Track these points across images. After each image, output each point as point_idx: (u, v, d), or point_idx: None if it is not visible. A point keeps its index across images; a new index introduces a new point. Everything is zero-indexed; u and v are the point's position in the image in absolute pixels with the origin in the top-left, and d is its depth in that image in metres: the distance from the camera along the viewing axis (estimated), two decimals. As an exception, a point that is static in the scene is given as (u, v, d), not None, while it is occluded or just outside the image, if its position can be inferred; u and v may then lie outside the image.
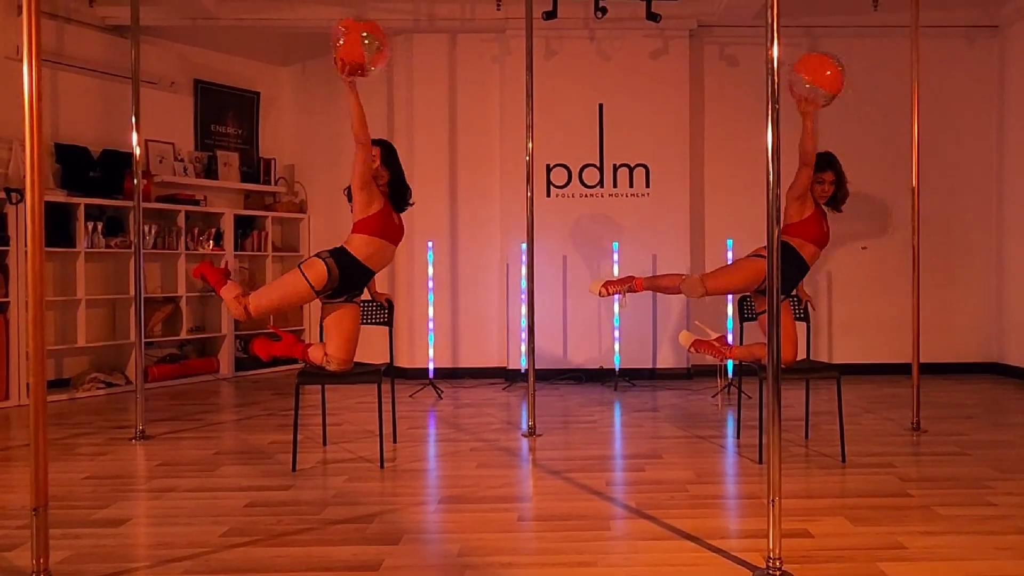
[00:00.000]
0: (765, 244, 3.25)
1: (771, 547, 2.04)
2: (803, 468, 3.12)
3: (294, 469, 3.14)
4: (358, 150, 3.03)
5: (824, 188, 3.35)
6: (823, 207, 3.41)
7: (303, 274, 3.06)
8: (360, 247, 3.12)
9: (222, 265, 3.40)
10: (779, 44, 2.09)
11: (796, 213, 3.34)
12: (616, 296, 3.53)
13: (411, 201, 3.34)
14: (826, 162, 3.38)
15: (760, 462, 3.21)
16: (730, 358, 3.58)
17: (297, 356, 3.32)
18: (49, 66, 5.09)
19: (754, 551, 2.19)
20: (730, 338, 4.94)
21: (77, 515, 2.58)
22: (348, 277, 3.12)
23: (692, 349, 3.58)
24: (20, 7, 1.99)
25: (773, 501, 2.03)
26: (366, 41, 2.91)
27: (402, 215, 3.30)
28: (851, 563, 2.11)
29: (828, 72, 3.21)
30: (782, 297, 3.36)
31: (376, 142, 3.20)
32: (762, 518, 2.43)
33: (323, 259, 3.08)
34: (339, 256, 3.11)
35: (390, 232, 3.18)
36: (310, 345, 3.30)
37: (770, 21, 2.08)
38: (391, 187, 3.23)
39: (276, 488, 2.89)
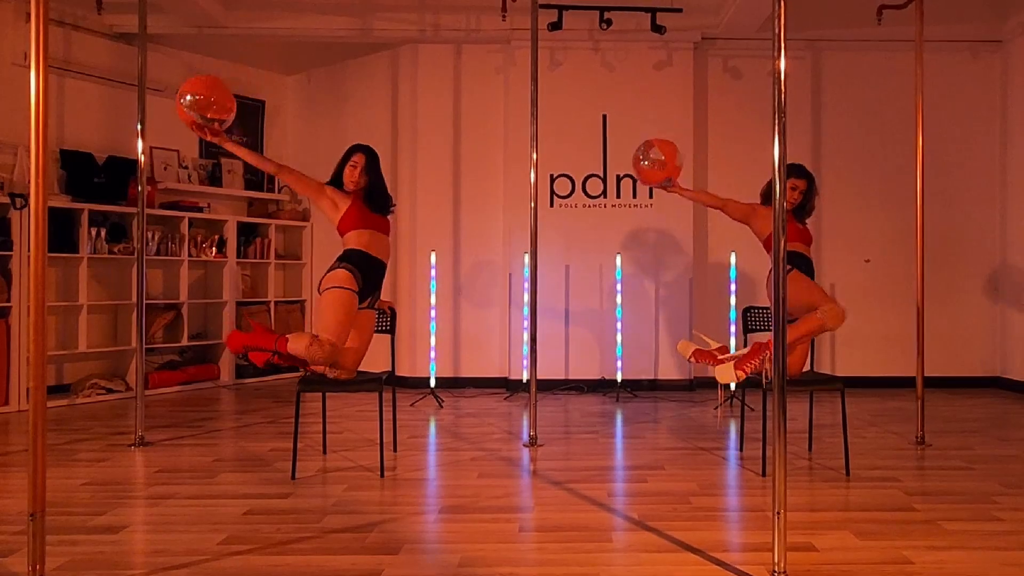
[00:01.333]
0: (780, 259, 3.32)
1: (776, 560, 2.02)
2: (807, 481, 3.09)
3: (294, 477, 3.12)
4: (279, 179, 3.17)
5: (794, 196, 3.43)
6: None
7: (337, 286, 3.04)
8: (355, 240, 3.18)
9: (259, 326, 3.23)
10: (786, 56, 2.09)
11: (765, 226, 3.47)
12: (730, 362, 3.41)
13: (392, 206, 3.36)
14: (798, 171, 3.45)
15: (763, 475, 3.19)
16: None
17: (269, 346, 3.00)
18: (56, 72, 5.11)
19: (758, 564, 2.16)
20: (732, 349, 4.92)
21: (74, 521, 2.56)
22: (367, 271, 3.14)
23: (692, 359, 3.55)
24: (29, 14, 2.00)
25: (778, 514, 2.01)
26: (184, 101, 3.15)
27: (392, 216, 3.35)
28: (856, 578, 2.09)
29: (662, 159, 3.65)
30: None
31: (360, 148, 3.28)
32: (766, 531, 2.41)
33: (338, 266, 3.11)
34: (347, 256, 3.14)
35: (371, 222, 3.22)
36: (287, 336, 3.03)
37: (777, 31, 2.08)
38: (366, 192, 3.26)
39: (275, 496, 2.86)
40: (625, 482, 3.10)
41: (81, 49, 5.23)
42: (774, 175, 2.13)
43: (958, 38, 5.67)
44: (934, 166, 5.56)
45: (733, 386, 5.25)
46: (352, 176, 3.22)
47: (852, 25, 5.59)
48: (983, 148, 5.78)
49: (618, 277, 5.40)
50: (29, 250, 1.97)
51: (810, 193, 3.45)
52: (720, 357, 3.52)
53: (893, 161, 5.71)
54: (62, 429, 4.12)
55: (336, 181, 3.30)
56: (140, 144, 3.83)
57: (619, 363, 5.39)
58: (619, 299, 5.39)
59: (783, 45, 2.09)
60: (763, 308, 3.85)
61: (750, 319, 3.94)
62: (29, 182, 2.00)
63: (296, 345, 2.94)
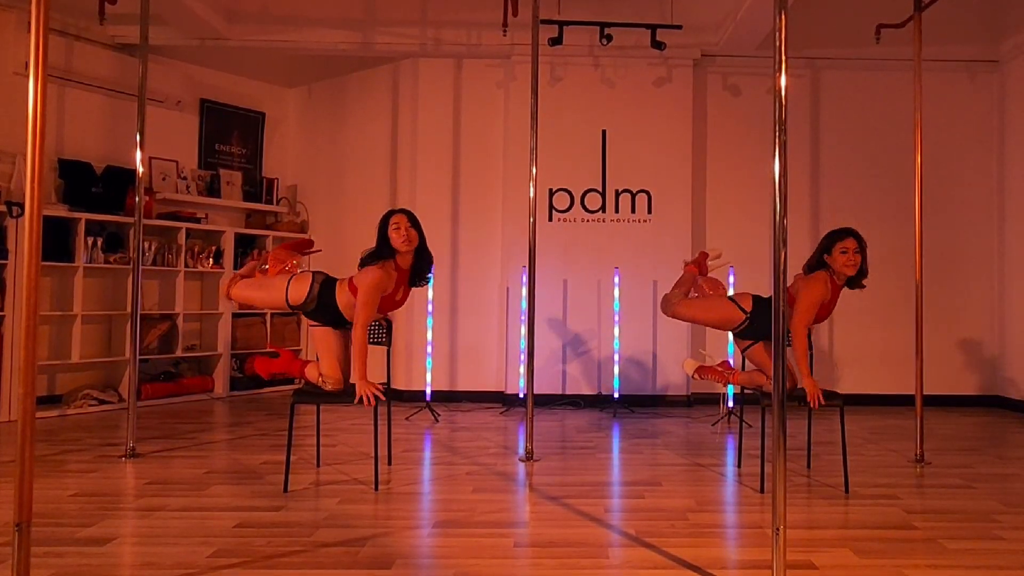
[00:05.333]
0: (746, 292, 3.36)
1: (775, 578, 1.98)
2: (806, 498, 3.06)
3: (286, 490, 3.08)
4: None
5: (849, 257, 3.14)
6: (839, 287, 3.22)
7: (287, 285, 3.08)
8: (344, 299, 3.06)
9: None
10: (786, 72, 2.09)
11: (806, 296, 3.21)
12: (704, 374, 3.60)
13: (430, 273, 3.24)
14: (847, 231, 3.19)
15: (762, 491, 3.15)
16: (733, 383, 3.54)
17: (295, 373, 3.29)
18: (57, 82, 5.13)
19: (757, 582, 2.13)
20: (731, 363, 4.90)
21: (62, 533, 2.52)
22: (325, 311, 3.09)
23: (696, 375, 3.56)
24: (30, 24, 2.00)
25: (778, 531, 1.98)
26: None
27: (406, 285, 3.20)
28: (857, 597, 2.05)
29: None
30: (758, 342, 3.32)
31: (397, 210, 3.12)
32: (765, 548, 2.37)
33: (312, 281, 3.08)
34: (324, 287, 3.08)
35: (382, 305, 3.09)
36: (308, 362, 3.27)
37: (778, 45, 2.09)
38: (415, 253, 3.11)
39: (267, 509, 2.82)
40: (622, 498, 3.06)
41: (82, 59, 5.25)
42: (775, 190, 2.13)
43: (955, 58, 5.71)
44: (932, 184, 5.58)
45: (731, 402, 5.22)
46: (400, 236, 3.02)
47: (851, 44, 5.64)
48: (980, 167, 5.81)
49: (616, 292, 5.38)
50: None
51: (863, 249, 3.19)
52: (722, 371, 3.53)
53: (891, 179, 5.73)
54: (53, 440, 4.07)
55: (384, 251, 3.05)
56: (139, 154, 3.82)
57: (616, 378, 5.36)
58: (617, 314, 5.38)
59: (784, 60, 2.09)
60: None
61: (748, 335, 3.92)
62: (25, 189, 1.98)
63: (311, 373, 3.20)
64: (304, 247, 3.43)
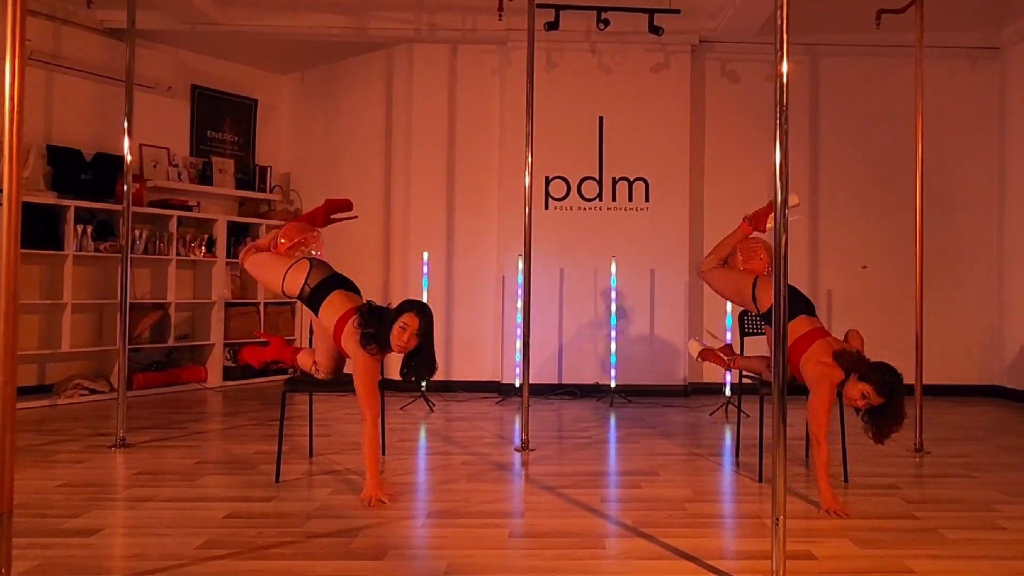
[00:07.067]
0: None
1: (775, 569, 1.94)
2: (805, 488, 3.03)
3: (277, 480, 3.03)
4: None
5: (862, 402, 2.70)
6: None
7: (284, 270, 2.99)
8: (327, 320, 2.92)
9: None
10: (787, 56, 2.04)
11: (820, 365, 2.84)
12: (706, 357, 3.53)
13: (425, 378, 2.96)
14: (875, 381, 2.68)
15: (760, 481, 3.12)
16: (733, 368, 3.51)
17: (286, 360, 3.24)
18: (45, 67, 5.04)
19: (756, 573, 2.09)
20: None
21: (47, 524, 2.47)
22: (315, 309, 3.00)
23: (700, 359, 3.54)
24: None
25: (778, 520, 1.94)
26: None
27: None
28: (858, 587, 2.02)
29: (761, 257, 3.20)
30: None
31: (413, 308, 2.81)
32: (763, 539, 2.34)
33: (304, 283, 2.94)
34: (318, 290, 2.95)
35: (334, 336, 2.95)
36: (300, 350, 3.22)
37: (779, 23, 2.03)
38: (412, 353, 2.83)
39: (258, 499, 2.78)
40: (619, 488, 3.03)
41: (70, 44, 5.15)
42: (775, 179, 2.08)
43: (956, 45, 5.65)
44: (932, 172, 5.51)
45: (728, 391, 5.19)
46: (401, 339, 2.76)
47: (850, 30, 5.57)
48: (981, 155, 5.76)
49: (613, 281, 5.33)
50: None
51: (883, 413, 2.69)
52: (725, 358, 3.50)
53: (891, 167, 5.68)
54: (42, 430, 4.02)
55: (381, 339, 2.80)
56: (127, 141, 3.76)
57: (613, 368, 5.32)
58: (614, 303, 5.33)
59: (785, 42, 2.03)
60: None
61: (747, 323, 3.89)
62: (3, 166, 1.92)
63: (304, 361, 3.18)
64: (338, 209, 3.28)
